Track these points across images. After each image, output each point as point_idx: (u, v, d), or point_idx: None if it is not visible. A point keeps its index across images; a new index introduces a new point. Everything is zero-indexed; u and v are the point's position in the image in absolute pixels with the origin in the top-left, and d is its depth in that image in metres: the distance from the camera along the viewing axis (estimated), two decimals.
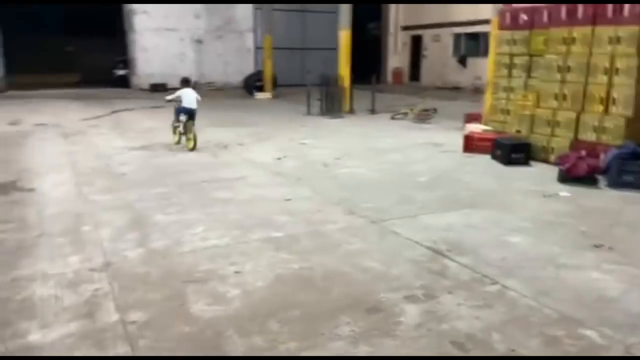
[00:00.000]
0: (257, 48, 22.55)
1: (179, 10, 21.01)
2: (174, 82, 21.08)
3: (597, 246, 4.23)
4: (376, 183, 6.33)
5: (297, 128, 10.95)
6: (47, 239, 4.34)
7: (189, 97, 8.63)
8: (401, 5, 25.26)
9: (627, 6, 6.39)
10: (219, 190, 5.92)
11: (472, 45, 21.74)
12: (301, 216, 5.02)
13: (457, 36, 22.87)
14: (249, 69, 22.03)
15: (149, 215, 5.00)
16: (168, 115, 12.68)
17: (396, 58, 26.01)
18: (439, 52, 23.56)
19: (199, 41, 21.75)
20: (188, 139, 8.42)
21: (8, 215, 4.95)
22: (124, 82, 21.59)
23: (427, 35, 24.29)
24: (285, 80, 21.25)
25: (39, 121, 11.38)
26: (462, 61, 22.22)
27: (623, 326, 3.04)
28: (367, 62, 27.82)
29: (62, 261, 3.89)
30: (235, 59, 22.46)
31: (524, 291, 3.47)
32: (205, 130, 10.53)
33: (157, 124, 11.36)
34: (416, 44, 25.26)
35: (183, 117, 8.54)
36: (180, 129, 8.61)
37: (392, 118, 12.41)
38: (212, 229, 4.64)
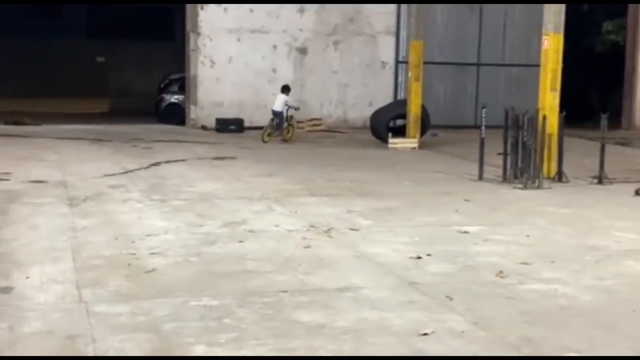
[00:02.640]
0: (400, 62, 23.31)
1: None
2: (258, 116, 22.52)
3: None
4: (594, 314, 6.13)
5: (458, 204, 10.99)
6: None
7: (276, 101, 19.17)
8: None
9: None
10: (304, 309, 6.03)
11: None
12: None
13: None
14: (383, 97, 22.78)
15: (183, 345, 5.21)
16: (238, 173, 13.46)
17: None
18: None
19: (302, 50, 23.02)
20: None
21: None
22: (176, 115, 23.34)
23: None
24: (444, 119, 21.68)
25: (35, 176, 12.54)
26: None
27: None
28: (597, 90, 27.29)
29: None
30: (360, 80, 23.44)
31: None
32: (297, 201, 10.95)
33: (219, 187, 12.03)
34: None
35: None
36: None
37: (639, 194, 11.98)
38: None
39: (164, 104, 24.54)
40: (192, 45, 22.34)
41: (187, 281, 6.77)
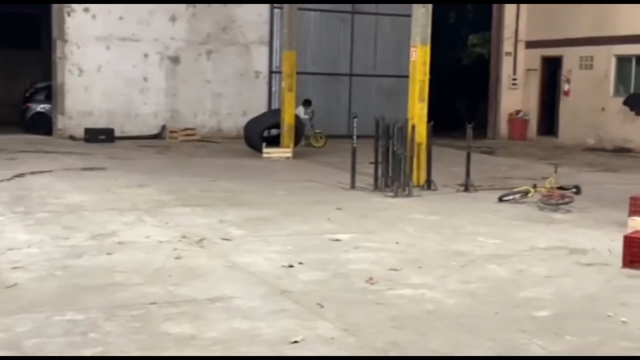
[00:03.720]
0: (273, 72, 23.43)
1: (142, 7, 22.20)
2: (129, 126, 22.15)
3: None
4: (458, 317, 6.32)
5: (330, 212, 11.09)
6: None
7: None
8: (525, 7, 25.94)
9: None
10: (174, 321, 5.95)
11: None
12: None
13: (623, 60, 23.13)
14: (257, 106, 22.84)
15: None
16: (108, 185, 13.16)
17: (515, 95, 26.41)
18: (592, 86, 23.82)
19: (175, 59, 22.80)
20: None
21: None
22: (43, 125, 22.63)
23: (570, 56, 24.71)
24: (318, 127, 21.85)
25: None
26: (634, 103, 22.31)
27: None
28: (465, 101, 28.32)
29: None
30: (234, 90, 23.45)
31: None
32: (169, 212, 10.83)
33: (88, 199, 11.73)
34: (551, 70, 25.63)
35: None
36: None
37: (502, 200, 12.45)
38: None
39: (29, 114, 23.73)
40: (58, 53, 21.78)
41: (51, 295, 6.54)
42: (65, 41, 21.71)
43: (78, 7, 21.64)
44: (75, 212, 10.59)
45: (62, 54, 21.77)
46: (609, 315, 6.42)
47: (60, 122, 22.02)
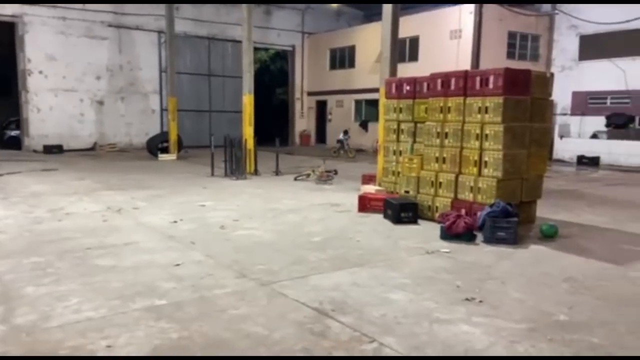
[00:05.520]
0: (163, 109, 22.40)
1: (78, 71, 20.53)
2: (73, 143, 20.36)
3: (468, 300, 4.50)
4: (271, 244, 6.34)
5: (199, 190, 10.81)
6: None
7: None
8: (306, 72, 26.51)
9: (491, 79, 7.20)
10: (102, 258, 5.60)
11: (372, 110, 23.09)
12: (189, 282, 4.87)
13: (358, 102, 24.27)
14: (154, 130, 21.74)
15: (18, 288, 4.60)
16: (59, 179, 12.07)
17: (303, 121, 26.93)
18: (343, 116, 24.77)
19: (100, 102, 21.19)
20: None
21: None
22: (16, 144, 20.35)
23: (331, 100, 25.54)
24: (191, 142, 21.17)
25: None
26: (364, 125, 23.47)
27: None
28: (276, 125, 28.56)
29: None
30: (139, 120, 22.11)
31: (398, 348, 3.58)
32: (99, 194, 10.10)
33: (46, 188, 10.71)
34: (322, 108, 26.40)
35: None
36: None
37: (296, 179, 12.62)
38: (89, 300, 4.35)
39: (6, 137, 21.30)
40: (23, 99, 19.61)
41: (21, 248, 5.94)
42: (28, 91, 19.54)
43: (35, 70, 19.54)
44: (37, 196, 9.64)
45: (26, 99, 19.60)
46: (351, 238, 6.71)
47: (27, 142, 19.84)
